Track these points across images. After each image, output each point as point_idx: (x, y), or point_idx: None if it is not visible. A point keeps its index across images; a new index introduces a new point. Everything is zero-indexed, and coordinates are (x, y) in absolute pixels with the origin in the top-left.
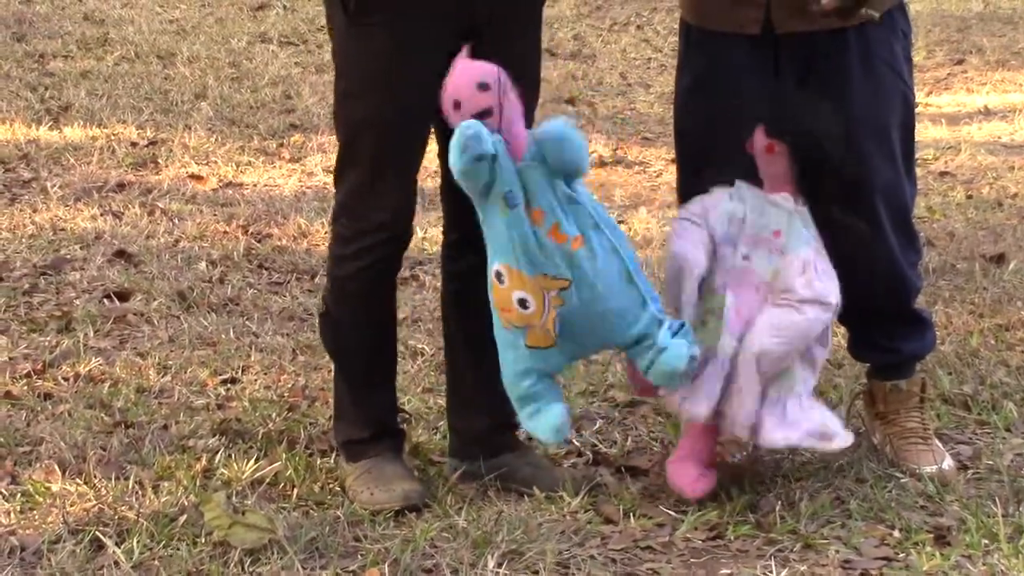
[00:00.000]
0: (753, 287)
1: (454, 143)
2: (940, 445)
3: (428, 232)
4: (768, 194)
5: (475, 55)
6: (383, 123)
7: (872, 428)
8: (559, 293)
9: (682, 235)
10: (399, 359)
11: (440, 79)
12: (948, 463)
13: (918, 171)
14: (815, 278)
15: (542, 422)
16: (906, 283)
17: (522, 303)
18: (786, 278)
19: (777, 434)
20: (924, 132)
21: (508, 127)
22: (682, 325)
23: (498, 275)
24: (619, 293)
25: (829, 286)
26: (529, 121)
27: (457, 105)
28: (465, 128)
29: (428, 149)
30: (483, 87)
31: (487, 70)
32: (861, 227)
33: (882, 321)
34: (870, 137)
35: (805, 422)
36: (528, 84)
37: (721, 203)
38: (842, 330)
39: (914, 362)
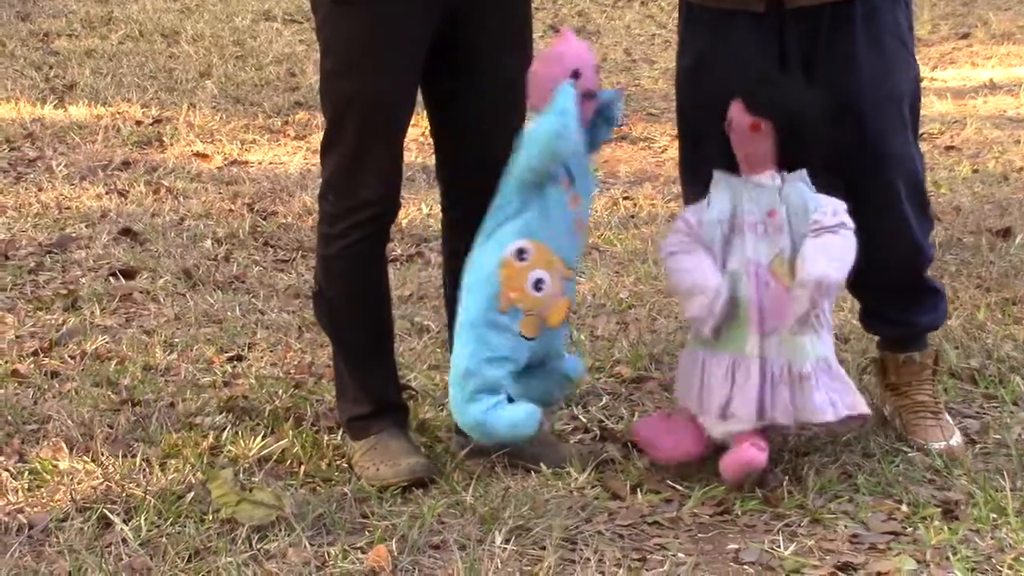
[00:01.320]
0: (756, 274)
1: (561, 123)
2: (950, 420)
3: (434, 209)
4: (750, 177)
5: (462, 31)
6: (370, 100)
7: (883, 399)
8: (564, 282)
9: (683, 269)
10: (406, 336)
11: (423, 53)
12: (957, 439)
13: (924, 146)
14: (831, 207)
15: (509, 416)
16: (921, 253)
17: (537, 284)
18: (815, 221)
19: (827, 412)
20: (930, 107)
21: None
22: None
23: (520, 252)
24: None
25: (846, 213)
26: (524, 99)
27: (576, 74)
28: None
29: (425, 126)
30: (598, 71)
31: (594, 54)
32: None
33: (896, 292)
34: (880, 107)
35: (847, 391)
36: (521, 58)
37: (704, 215)
38: (849, 303)
39: (927, 334)
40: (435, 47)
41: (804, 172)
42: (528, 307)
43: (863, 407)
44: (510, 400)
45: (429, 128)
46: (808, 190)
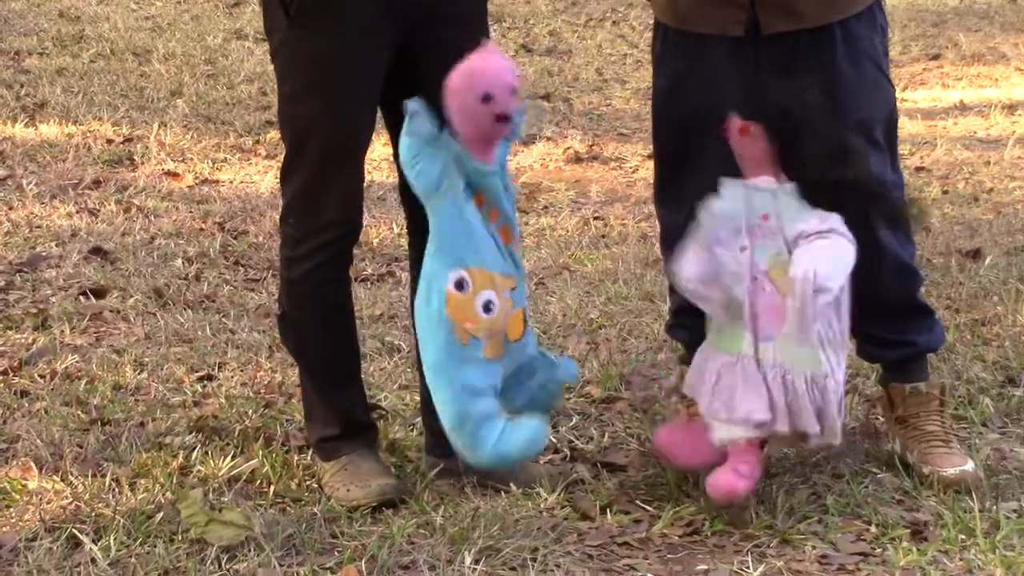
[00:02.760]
0: (752, 277)
1: (402, 145)
2: (960, 448)
3: (404, 229)
4: (748, 180)
5: (419, 51)
6: (330, 123)
7: (892, 434)
8: (510, 294)
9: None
10: (376, 356)
11: (381, 76)
12: (970, 465)
13: None
14: (823, 218)
15: (521, 435)
16: (910, 273)
17: (487, 307)
18: (800, 225)
19: (812, 424)
20: (900, 128)
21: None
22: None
23: (459, 284)
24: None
25: (839, 222)
26: None
27: (487, 99)
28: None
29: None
30: (514, 92)
31: (516, 73)
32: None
33: (891, 315)
34: (858, 132)
35: (827, 417)
36: None
37: (720, 207)
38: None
39: (926, 356)
40: (393, 67)
41: (792, 186)
42: (486, 332)
43: (835, 436)
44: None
45: (392, 152)
46: (797, 201)
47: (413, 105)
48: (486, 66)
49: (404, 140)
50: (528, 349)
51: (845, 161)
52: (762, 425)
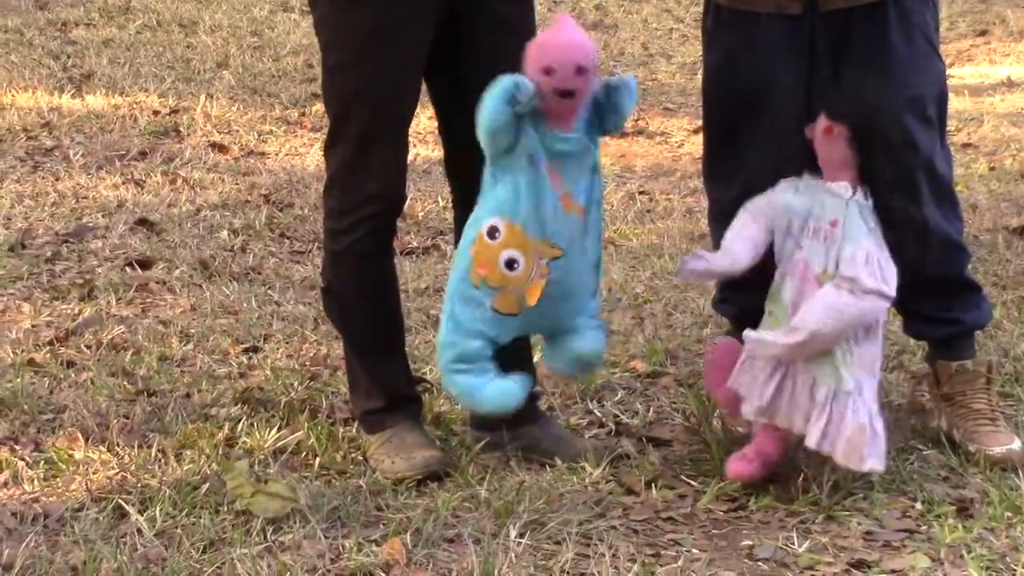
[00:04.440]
0: (805, 279)
1: (497, 93)
2: (1006, 427)
3: (449, 202)
4: (826, 183)
5: (463, 22)
6: (374, 95)
7: (939, 411)
8: (549, 262)
9: (736, 227)
10: (421, 329)
11: (425, 48)
12: (1017, 443)
13: None
14: (878, 269)
15: (498, 388)
16: (958, 249)
17: (510, 264)
18: (850, 268)
19: (820, 441)
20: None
21: (579, 108)
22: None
23: (492, 230)
24: (587, 277)
25: (890, 278)
26: None
27: (549, 71)
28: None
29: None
30: (581, 71)
31: (589, 50)
32: (909, 210)
33: (938, 292)
34: (911, 108)
35: (839, 437)
36: (523, 46)
37: (778, 198)
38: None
39: (974, 333)
40: (437, 39)
41: (867, 200)
42: (500, 284)
43: (858, 463)
44: (503, 368)
45: (438, 127)
46: (868, 219)
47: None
48: (552, 40)
49: (490, 103)
50: (565, 316)
51: (897, 139)
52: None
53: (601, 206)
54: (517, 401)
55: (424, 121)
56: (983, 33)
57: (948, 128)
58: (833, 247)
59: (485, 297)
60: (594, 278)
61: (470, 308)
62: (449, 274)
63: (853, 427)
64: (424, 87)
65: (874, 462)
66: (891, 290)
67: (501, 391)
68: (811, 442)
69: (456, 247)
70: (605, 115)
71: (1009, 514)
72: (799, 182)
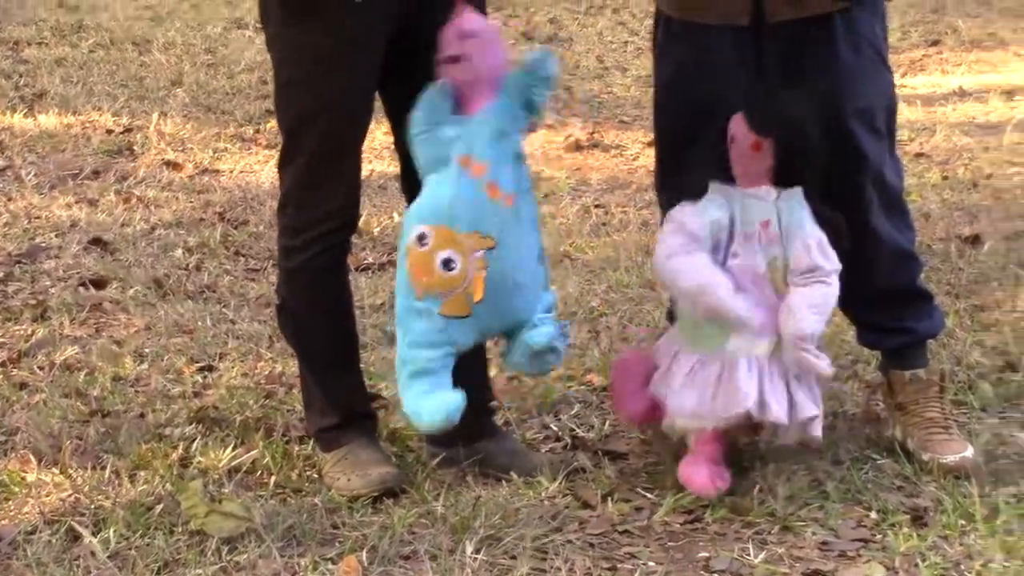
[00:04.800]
0: (749, 281)
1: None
2: (960, 435)
3: None
4: (746, 189)
5: (416, 36)
6: (327, 111)
7: (893, 420)
8: (484, 254)
9: (687, 269)
10: (377, 345)
11: (379, 64)
12: (970, 451)
13: None
14: (829, 250)
15: (434, 402)
16: (909, 259)
17: (447, 264)
18: (807, 259)
19: (812, 410)
20: (899, 114)
21: (477, 77)
22: (565, 325)
23: (420, 238)
24: (531, 269)
25: (836, 255)
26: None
27: (455, 59)
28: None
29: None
30: (464, 35)
31: (476, 21)
32: (859, 220)
33: (891, 302)
34: (860, 119)
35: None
36: None
37: (702, 216)
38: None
39: (926, 342)
40: (391, 53)
41: (800, 191)
42: (444, 288)
43: (812, 431)
44: (457, 382)
45: (394, 141)
46: (803, 209)
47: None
48: (454, 29)
49: (416, 114)
50: (515, 311)
51: (846, 150)
52: (741, 414)
53: (532, 196)
54: (450, 413)
55: (379, 137)
56: (935, 43)
57: (901, 138)
58: (773, 245)
59: (433, 305)
60: (538, 270)
61: (421, 321)
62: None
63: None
64: (379, 101)
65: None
66: (838, 264)
67: (436, 404)
68: (813, 411)
69: None
70: (529, 94)
71: (963, 522)
72: (712, 195)
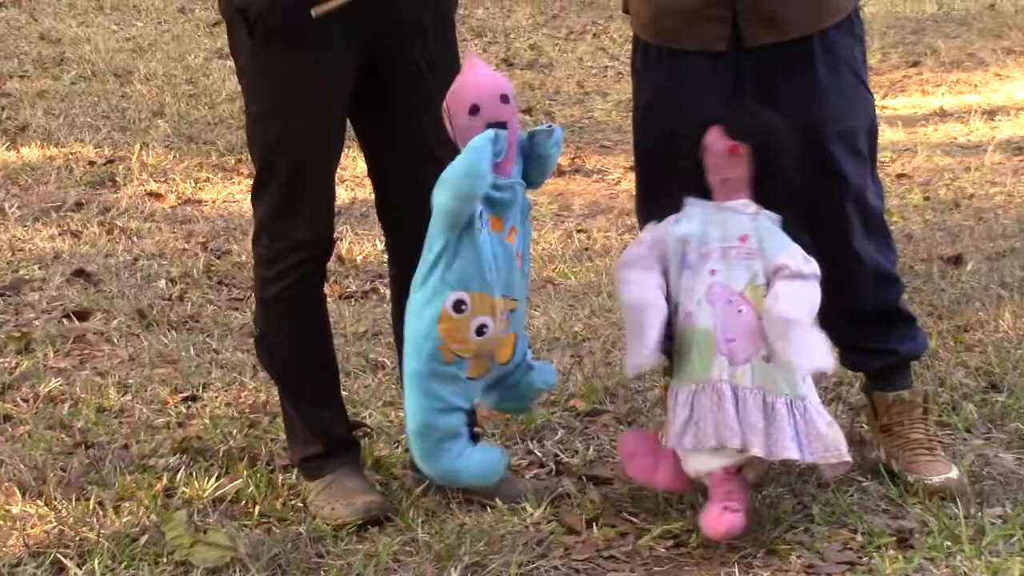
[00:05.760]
0: (727, 300)
1: (468, 161)
2: (944, 456)
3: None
4: (723, 203)
5: (386, 64)
6: (299, 141)
7: (877, 442)
8: (509, 315)
9: (633, 282)
10: (360, 373)
11: (348, 92)
12: (955, 472)
13: None
14: (812, 261)
15: (478, 463)
16: (891, 280)
17: (480, 330)
18: (789, 264)
19: (792, 450)
20: (881, 135)
21: (510, 142)
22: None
23: (458, 305)
24: (524, 318)
25: (814, 262)
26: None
27: (475, 110)
28: (476, 153)
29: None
30: (505, 99)
31: (506, 82)
32: (840, 242)
33: (874, 323)
34: (840, 141)
35: (817, 438)
36: (445, 88)
37: (669, 233)
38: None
39: (910, 363)
40: (360, 83)
41: (776, 215)
42: (474, 352)
43: (839, 455)
44: (474, 439)
45: (367, 168)
46: (774, 225)
47: (490, 134)
48: (469, 79)
49: (482, 164)
50: (516, 358)
51: (827, 172)
52: (737, 451)
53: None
54: (498, 475)
55: (361, 164)
56: (915, 64)
57: (882, 159)
58: (755, 260)
59: (459, 371)
60: (525, 314)
61: (448, 385)
62: (406, 350)
63: (824, 425)
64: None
65: (846, 449)
66: (818, 271)
67: (480, 467)
68: (791, 455)
69: (394, 297)
70: (530, 165)
71: (948, 543)
72: (682, 211)
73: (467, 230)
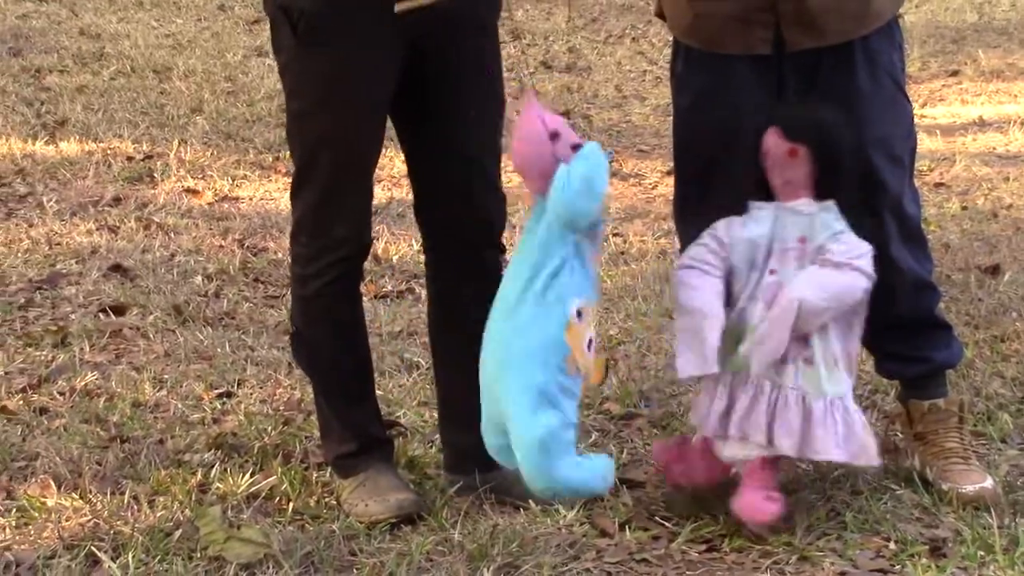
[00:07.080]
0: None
1: (593, 167)
2: (979, 465)
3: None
4: (784, 203)
5: (428, 65)
6: (340, 140)
7: (911, 450)
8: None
9: (694, 287)
10: (395, 372)
11: (390, 91)
12: (989, 482)
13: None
14: (853, 250)
15: (591, 470)
16: (928, 290)
17: (589, 344)
18: (826, 253)
19: (832, 450)
20: (919, 144)
21: None
22: None
23: (579, 313)
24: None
25: (866, 264)
26: (498, 134)
27: (556, 135)
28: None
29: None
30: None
31: (558, 116)
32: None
33: (910, 331)
34: (879, 148)
35: (853, 439)
36: (489, 91)
37: (736, 236)
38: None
39: (945, 372)
40: (402, 82)
41: (832, 203)
42: (585, 369)
43: (869, 458)
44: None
45: (407, 169)
46: (836, 222)
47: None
48: (537, 114)
49: (599, 168)
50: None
51: (866, 179)
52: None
53: None
54: (613, 474)
55: (398, 164)
56: (955, 73)
57: (920, 168)
58: (807, 262)
59: (576, 385)
60: None
61: (569, 400)
62: (519, 364)
63: (860, 426)
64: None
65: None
66: (868, 267)
67: (595, 470)
68: (831, 457)
69: (431, 299)
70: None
71: (982, 553)
72: (750, 214)
73: (587, 235)
